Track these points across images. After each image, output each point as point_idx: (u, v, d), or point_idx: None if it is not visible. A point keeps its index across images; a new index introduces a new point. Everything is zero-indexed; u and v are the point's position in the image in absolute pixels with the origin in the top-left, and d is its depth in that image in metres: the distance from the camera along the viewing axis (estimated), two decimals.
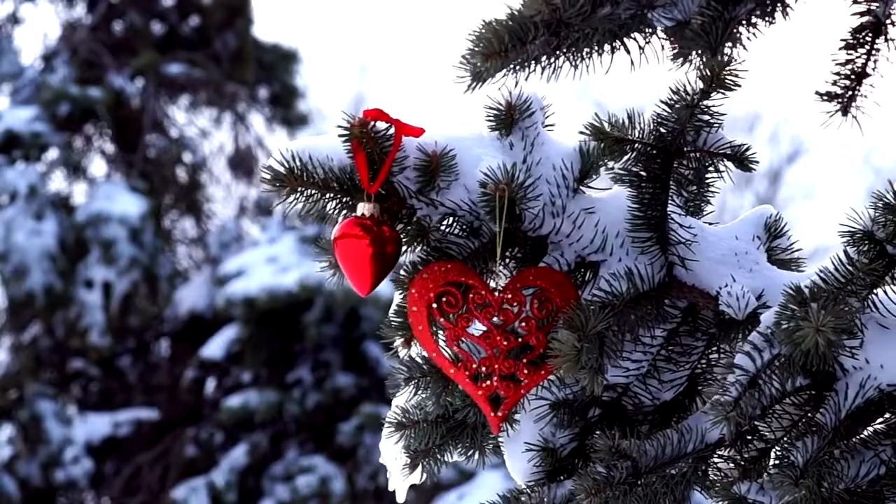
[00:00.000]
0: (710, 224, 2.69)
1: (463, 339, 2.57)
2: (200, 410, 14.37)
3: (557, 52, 2.49)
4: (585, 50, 2.50)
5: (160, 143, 15.24)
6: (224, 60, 15.34)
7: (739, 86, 2.46)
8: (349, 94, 26.20)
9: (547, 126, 2.59)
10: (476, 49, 2.47)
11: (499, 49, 2.43)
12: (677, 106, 2.48)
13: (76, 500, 14.34)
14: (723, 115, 2.51)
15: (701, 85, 2.45)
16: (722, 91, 2.46)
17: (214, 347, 13.81)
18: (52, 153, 14.36)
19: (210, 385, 14.60)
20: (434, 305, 2.56)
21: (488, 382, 2.57)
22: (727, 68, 2.44)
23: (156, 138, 15.19)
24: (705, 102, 2.48)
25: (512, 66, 2.50)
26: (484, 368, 2.57)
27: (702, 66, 2.45)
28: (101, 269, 13.66)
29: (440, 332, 2.58)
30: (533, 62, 2.50)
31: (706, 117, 2.50)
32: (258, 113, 15.89)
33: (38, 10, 15.65)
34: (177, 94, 15.55)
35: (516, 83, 2.51)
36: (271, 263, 13.29)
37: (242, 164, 15.60)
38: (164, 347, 15.23)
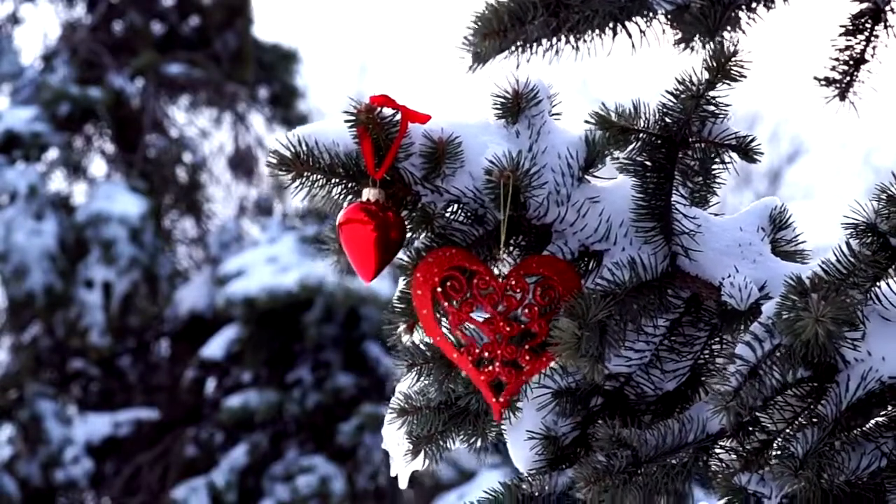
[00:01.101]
0: (715, 215, 2.69)
1: (466, 324, 2.58)
2: (200, 410, 14.37)
3: (558, 34, 2.48)
4: (586, 32, 2.49)
5: (160, 143, 15.24)
6: (224, 60, 15.35)
7: (745, 76, 2.45)
8: (349, 94, 26.21)
9: (553, 115, 2.60)
10: (476, 29, 2.47)
11: (498, 28, 2.42)
12: (683, 96, 2.48)
13: (76, 500, 14.34)
14: (728, 105, 2.51)
15: (706, 75, 2.46)
16: (727, 82, 2.47)
17: (214, 347, 13.81)
18: (52, 153, 14.35)
19: (210, 385, 14.60)
20: (438, 289, 2.56)
21: (490, 368, 2.57)
22: (733, 59, 2.45)
23: (156, 138, 15.19)
24: (711, 93, 2.48)
25: (512, 46, 2.49)
26: (486, 354, 2.57)
27: (707, 57, 2.45)
28: (101, 269, 13.65)
29: (444, 316, 2.58)
30: (533, 43, 2.49)
31: (711, 108, 2.50)
32: (258, 113, 15.89)
33: (38, 10, 15.67)
34: (177, 94, 15.55)
35: (517, 65, 2.51)
36: (271, 263, 13.29)
37: (242, 164, 15.61)
38: (164, 347, 15.23)
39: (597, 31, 2.45)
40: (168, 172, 15.32)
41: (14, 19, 15.38)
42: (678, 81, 2.47)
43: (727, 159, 2.59)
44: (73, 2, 15.51)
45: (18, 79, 14.79)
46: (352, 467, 13.19)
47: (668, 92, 2.49)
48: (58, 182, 14.72)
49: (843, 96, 2.56)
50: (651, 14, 2.43)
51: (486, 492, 2.64)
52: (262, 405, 13.17)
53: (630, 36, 2.47)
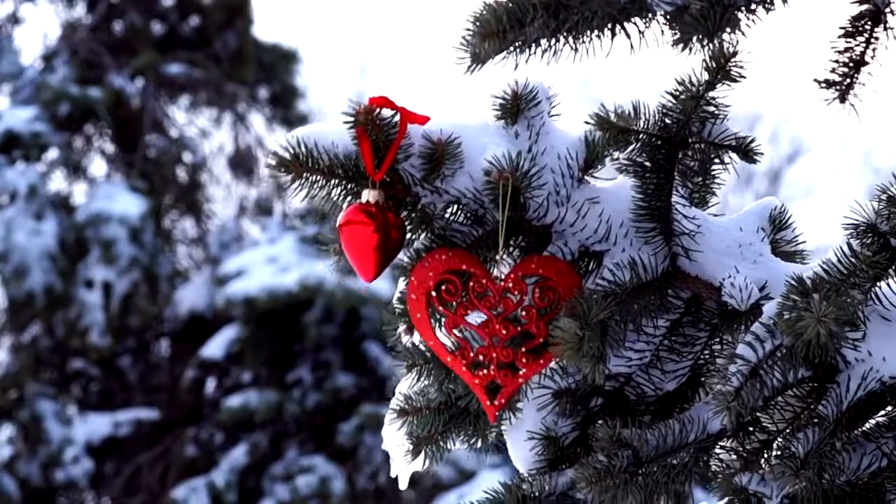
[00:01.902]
0: (715, 216, 2.69)
1: (461, 327, 2.57)
2: (200, 410, 14.38)
3: (557, 35, 2.48)
4: (585, 33, 2.48)
5: (160, 143, 15.24)
6: (224, 60, 15.35)
7: (745, 77, 2.45)
8: (349, 94, 26.21)
9: (552, 116, 2.60)
10: (475, 30, 2.46)
11: (497, 30, 2.42)
12: (683, 97, 2.47)
13: (76, 500, 14.35)
14: (728, 106, 2.50)
15: (706, 76, 2.46)
16: (727, 82, 2.47)
17: (214, 347, 13.81)
18: (52, 153, 14.36)
19: (210, 385, 14.60)
20: (433, 294, 2.56)
21: (485, 371, 2.57)
22: (733, 59, 2.45)
23: (156, 138, 15.20)
24: (710, 94, 2.48)
25: (511, 47, 2.49)
26: (481, 357, 2.57)
27: (707, 58, 2.45)
28: (101, 269, 13.66)
29: (440, 319, 2.58)
30: (532, 44, 2.49)
31: (711, 108, 2.50)
32: (258, 113, 15.90)
33: (38, 10, 15.68)
34: (177, 94, 15.56)
35: (516, 66, 2.51)
36: (271, 263, 13.30)
37: (242, 164, 15.61)
38: (164, 347, 15.24)
39: (595, 32, 2.45)
40: (168, 172, 15.32)
41: (14, 19, 15.38)
42: (678, 82, 2.47)
43: (727, 160, 2.59)
44: (73, 2, 15.51)
45: (18, 79, 14.79)
46: (352, 467, 13.20)
47: (667, 92, 2.49)
48: (58, 182, 14.75)
49: (843, 98, 2.55)
50: (650, 15, 2.43)
51: (486, 492, 2.64)
52: (262, 405, 13.17)
53: (629, 37, 2.46)
